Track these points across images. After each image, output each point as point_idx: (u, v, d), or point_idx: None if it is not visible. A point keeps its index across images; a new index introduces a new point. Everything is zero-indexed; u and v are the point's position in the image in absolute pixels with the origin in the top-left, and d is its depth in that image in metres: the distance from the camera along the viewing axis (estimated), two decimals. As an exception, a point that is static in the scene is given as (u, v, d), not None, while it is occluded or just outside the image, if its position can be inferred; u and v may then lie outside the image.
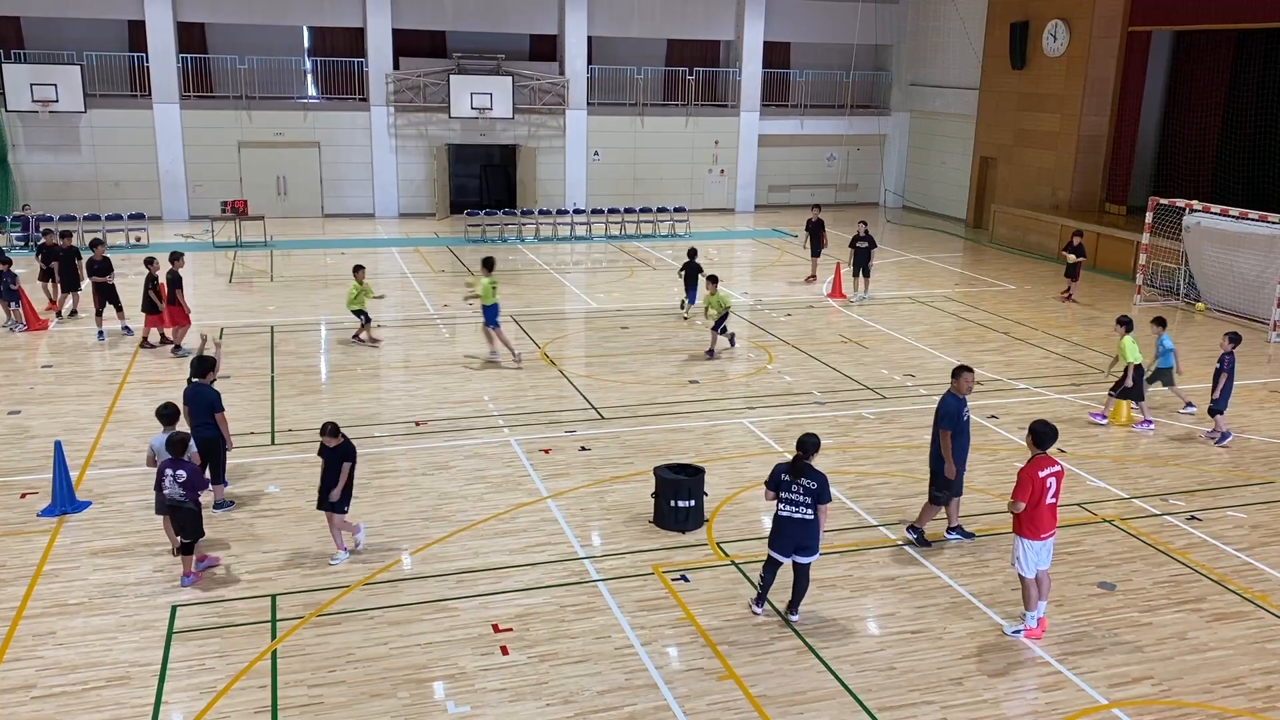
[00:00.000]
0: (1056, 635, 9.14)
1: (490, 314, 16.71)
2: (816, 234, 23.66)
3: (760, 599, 9.37)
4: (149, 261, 17.20)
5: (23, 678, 8.19)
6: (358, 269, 18.01)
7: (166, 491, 9.57)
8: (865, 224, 22.42)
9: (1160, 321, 15.06)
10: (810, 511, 8.91)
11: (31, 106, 28.07)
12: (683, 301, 20.67)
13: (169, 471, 9.57)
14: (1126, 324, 14.69)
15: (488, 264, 17.05)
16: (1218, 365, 14.00)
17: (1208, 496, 12.25)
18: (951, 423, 10.36)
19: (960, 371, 10.54)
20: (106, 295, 17.79)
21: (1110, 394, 14.66)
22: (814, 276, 23.74)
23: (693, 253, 20.63)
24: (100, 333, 17.85)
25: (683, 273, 20.56)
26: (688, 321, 19.89)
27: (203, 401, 10.99)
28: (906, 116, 36.30)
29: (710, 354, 17.50)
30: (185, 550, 9.70)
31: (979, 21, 32.09)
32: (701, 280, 19.35)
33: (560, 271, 24.85)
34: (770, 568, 9.26)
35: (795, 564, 9.11)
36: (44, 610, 9.18)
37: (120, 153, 29.70)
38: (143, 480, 11.83)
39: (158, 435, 10.15)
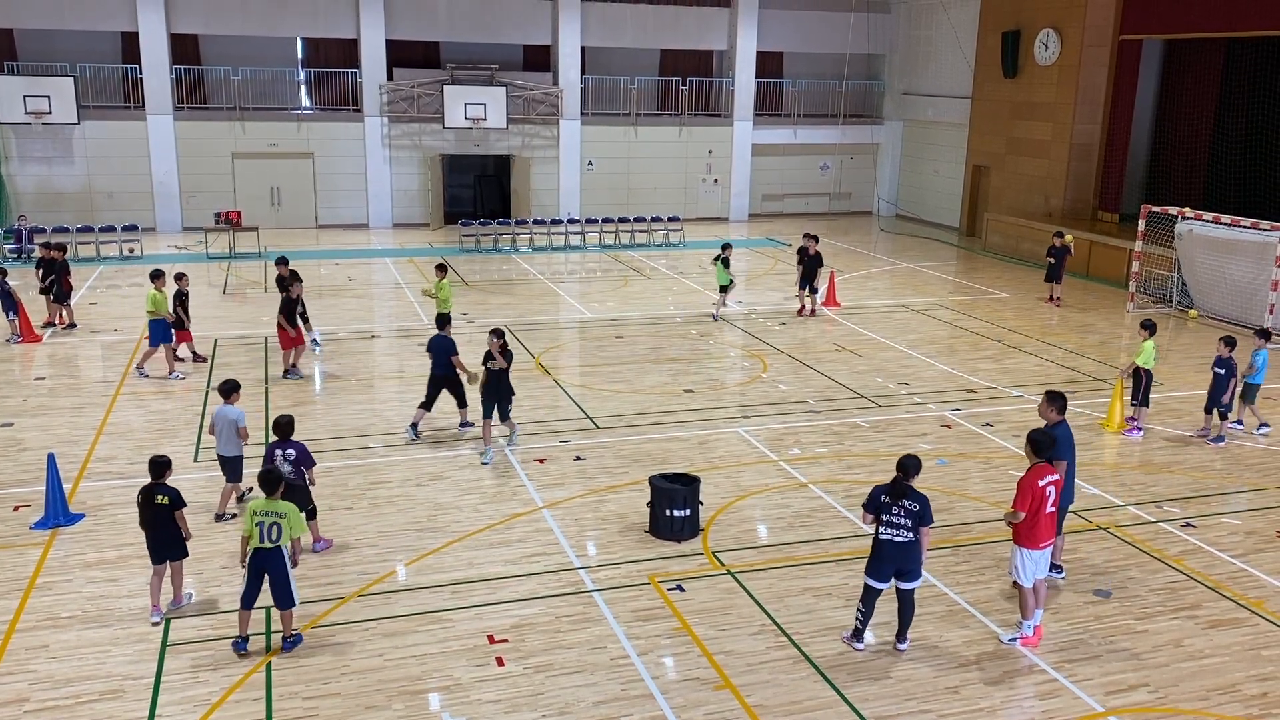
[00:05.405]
0: (1052, 643, 9.14)
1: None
2: (812, 266, 21.10)
3: (859, 633, 8.98)
4: (179, 277, 17.08)
5: (15, 691, 8.15)
6: (440, 268, 18.06)
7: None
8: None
9: (1264, 334, 14.88)
10: (911, 535, 8.68)
11: (25, 118, 28.01)
12: None
13: (279, 451, 10.13)
14: (1150, 328, 14.46)
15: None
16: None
17: (1202, 503, 12.27)
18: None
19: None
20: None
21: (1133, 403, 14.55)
22: (804, 309, 21.51)
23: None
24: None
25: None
26: None
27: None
28: (899, 125, 36.40)
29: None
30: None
31: (971, 31, 32.22)
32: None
33: (554, 281, 24.85)
34: (869, 597, 8.90)
35: (899, 590, 8.90)
36: (37, 623, 9.14)
37: (114, 164, 29.66)
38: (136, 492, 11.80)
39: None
